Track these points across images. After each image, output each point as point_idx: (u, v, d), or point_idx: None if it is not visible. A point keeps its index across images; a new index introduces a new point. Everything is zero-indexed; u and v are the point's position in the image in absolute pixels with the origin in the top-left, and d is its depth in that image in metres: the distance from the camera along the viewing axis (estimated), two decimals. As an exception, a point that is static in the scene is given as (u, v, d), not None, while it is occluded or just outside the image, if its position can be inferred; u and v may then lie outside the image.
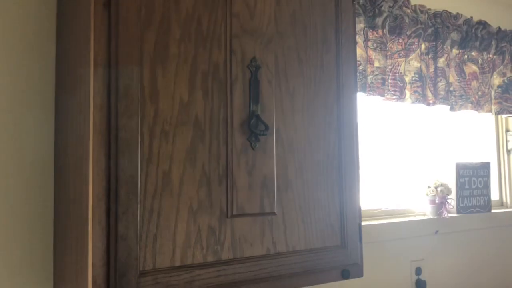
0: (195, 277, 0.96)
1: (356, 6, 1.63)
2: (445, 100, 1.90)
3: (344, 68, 1.22)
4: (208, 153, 1.00)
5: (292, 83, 1.13)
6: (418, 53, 1.82)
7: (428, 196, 1.97)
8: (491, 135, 2.38)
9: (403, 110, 2.02)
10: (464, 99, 2.00)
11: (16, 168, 1.13)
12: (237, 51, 1.06)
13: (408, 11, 1.79)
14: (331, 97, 1.20)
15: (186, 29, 0.99)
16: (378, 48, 1.71)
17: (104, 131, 0.89)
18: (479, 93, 2.06)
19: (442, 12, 1.91)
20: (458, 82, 1.99)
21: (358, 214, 1.22)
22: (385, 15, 1.71)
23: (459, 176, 2.03)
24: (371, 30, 1.70)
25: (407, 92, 1.80)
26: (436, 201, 1.96)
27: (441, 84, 1.90)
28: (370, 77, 1.69)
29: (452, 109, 1.97)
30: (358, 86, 1.61)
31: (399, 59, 1.78)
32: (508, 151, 2.37)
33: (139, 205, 0.91)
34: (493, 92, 2.12)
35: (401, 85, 1.78)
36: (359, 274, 1.21)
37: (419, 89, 1.81)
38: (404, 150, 2.03)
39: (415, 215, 1.98)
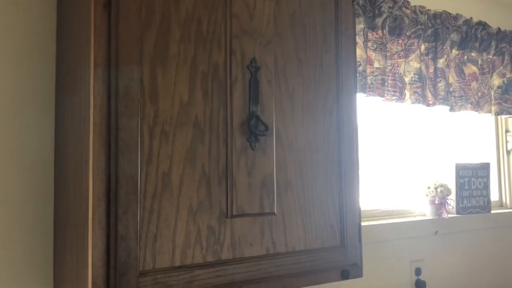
0: (195, 277, 0.96)
1: (356, 6, 1.63)
2: (444, 100, 1.91)
3: (343, 69, 1.22)
4: (208, 154, 1.00)
5: (291, 83, 1.14)
6: (417, 54, 1.82)
7: (428, 196, 1.97)
8: (490, 135, 2.38)
9: (403, 111, 2.02)
10: (463, 100, 2.00)
11: (16, 168, 1.13)
12: (237, 51, 1.06)
13: (408, 11, 1.79)
14: (331, 97, 1.20)
15: (186, 30, 0.99)
16: (378, 49, 1.71)
17: (104, 132, 0.89)
18: (479, 93, 2.06)
19: (441, 12, 1.91)
20: (458, 83, 1.99)
21: (357, 215, 1.23)
22: (385, 15, 1.71)
23: (458, 176, 2.03)
24: (371, 31, 1.70)
25: (407, 93, 1.80)
26: (436, 202, 1.96)
27: (441, 85, 1.90)
28: (370, 77, 1.69)
29: (451, 109, 1.97)
30: (358, 86, 1.61)
31: (399, 60, 1.78)
32: (508, 152, 2.38)
33: (139, 205, 0.91)
34: (492, 93, 2.12)
35: (401, 85, 1.78)
36: (359, 274, 1.21)
37: (418, 90, 1.81)
38: (404, 150, 2.03)
39: (414, 216, 1.98)
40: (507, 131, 2.39)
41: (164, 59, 0.96)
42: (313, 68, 1.18)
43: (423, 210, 2.00)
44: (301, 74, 1.15)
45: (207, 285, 0.98)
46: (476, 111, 2.06)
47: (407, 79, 1.80)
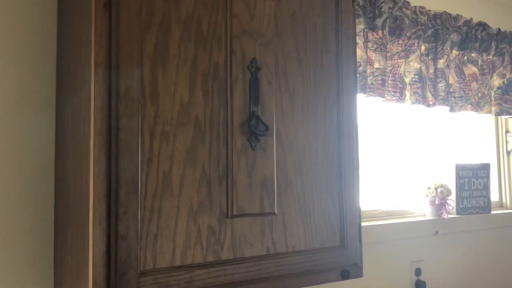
0: (195, 277, 0.96)
1: (356, 7, 1.63)
2: (445, 101, 1.91)
3: (344, 69, 1.22)
4: (208, 154, 1.00)
5: (292, 83, 1.14)
6: (418, 54, 1.82)
7: (428, 197, 1.97)
8: (490, 136, 2.39)
9: (403, 111, 2.02)
10: (464, 100, 2.00)
11: (17, 168, 1.13)
12: (237, 51, 1.06)
13: (408, 12, 1.80)
14: (331, 97, 1.20)
15: (187, 30, 1.00)
16: (378, 49, 1.71)
17: (104, 132, 0.89)
18: (479, 94, 2.07)
19: (442, 13, 1.91)
20: (458, 83, 2.00)
21: (358, 215, 1.23)
22: (385, 16, 1.71)
23: (458, 177, 2.03)
24: (371, 31, 1.70)
25: (407, 93, 1.80)
26: (436, 202, 1.96)
27: (441, 85, 1.90)
28: (370, 78, 1.69)
29: (452, 110, 1.97)
30: (358, 87, 1.61)
31: (399, 60, 1.78)
32: (508, 152, 2.38)
33: (139, 205, 0.91)
34: (492, 94, 2.12)
35: (401, 86, 1.78)
36: (359, 274, 1.21)
37: (419, 90, 1.81)
38: (404, 151, 2.03)
39: (414, 216, 1.98)
40: (507, 131, 2.39)
41: (164, 59, 0.96)
42: (314, 68, 1.18)
43: (423, 211, 2.00)
44: (302, 74, 1.16)
45: (207, 285, 0.98)
46: (476, 111, 2.06)
47: (407, 80, 1.80)
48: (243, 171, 1.04)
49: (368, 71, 1.68)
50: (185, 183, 0.97)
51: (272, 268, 1.07)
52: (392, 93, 1.76)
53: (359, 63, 1.63)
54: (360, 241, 1.23)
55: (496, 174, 2.36)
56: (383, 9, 1.71)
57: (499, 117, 2.37)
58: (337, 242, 1.19)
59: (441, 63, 1.91)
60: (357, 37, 1.62)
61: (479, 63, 2.07)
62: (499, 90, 2.13)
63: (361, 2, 1.67)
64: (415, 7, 1.83)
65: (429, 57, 1.88)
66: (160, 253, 0.93)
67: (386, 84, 1.74)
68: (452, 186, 2.02)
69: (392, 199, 1.95)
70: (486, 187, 2.11)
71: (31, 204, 1.14)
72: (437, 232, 1.94)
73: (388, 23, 1.73)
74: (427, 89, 1.85)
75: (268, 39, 1.10)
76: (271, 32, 1.11)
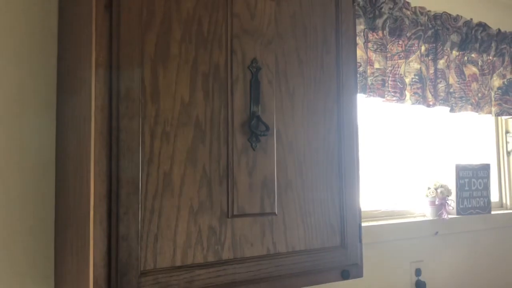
0: (195, 277, 0.96)
1: (356, 7, 1.64)
2: (445, 101, 1.91)
3: (344, 69, 1.23)
4: (208, 154, 1.01)
5: (292, 83, 1.14)
6: (418, 55, 1.82)
7: (428, 197, 1.97)
8: (491, 136, 2.39)
9: (403, 112, 2.02)
10: (464, 101, 2.00)
11: (17, 169, 1.13)
12: (238, 51, 1.06)
13: (408, 12, 1.80)
14: (331, 97, 1.21)
15: (187, 30, 1.00)
16: (378, 50, 1.71)
17: (105, 132, 0.89)
18: (479, 94, 2.07)
19: (442, 14, 1.92)
20: (458, 84, 2.00)
21: (358, 215, 1.23)
22: (385, 16, 1.72)
23: (459, 177, 2.04)
24: (371, 32, 1.70)
25: (407, 94, 1.80)
26: (436, 203, 1.96)
27: (441, 86, 1.90)
28: (370, 78, 1.69)
29: (452, 110, 1.97)
30: (358, 87, 1.61)
31: (399, 61, 1.78)
32: (508, 153, 2.38)
33: (140, 206, 0.91)
34: (493, 94, 2.13)
35: (401, 86, 1.78)
36: (359, 274, 1.21)
37: (419, 91, 1.82)
38: (404, 151, 2.03)
39: (415, 216, 1.98)
40: (507, 132, 2.39)
41: (165, 60, 0.96)
42: (314, 68, 1.18)
43: (423, 211, 2.00)
44: (302, 74, 1.16)
45: (208, 285, 0.98)
46: (476, 112, 2.06)
47: (407, 80, 1.81)
48: (243, 171, 1.05)
49: (368, 71, 1.68)
50: (186, 183, 0.97)
51: (272, 268, 1.07)
52: (392, 94, 1.76)
53: (359, 64, 1.64)
54: (360, 241, 1.23)
55: (496, 175, 2.36)
56: (383, 10, 1.71)
57: (499, 117, 2.37)
58: (337, 242, 1.19)
59: (441, 63, 1.91)
60: (357, 38, 1.62)
61: (479, 64, 2.08)
62: (499, 91, 2.13)
63: (361, 3, 1.67)
64: (415, 7, 1.83)
65: (429, 58, 1.88)
66: (160, 253, 0.93)
67: (386, 84, 1.74)
68: (452, 186, 2.02)
69: (392, 199, 1.95)
70: (486, 187, 2.12)
71: (31, 204, 1.14)
72: (437, 232, 1.94)
73: (388, 24, 1.73)
74: (427, 90, 1.86)
75: (268, 39, 1.11)
76: (271, 32, 1.11)
